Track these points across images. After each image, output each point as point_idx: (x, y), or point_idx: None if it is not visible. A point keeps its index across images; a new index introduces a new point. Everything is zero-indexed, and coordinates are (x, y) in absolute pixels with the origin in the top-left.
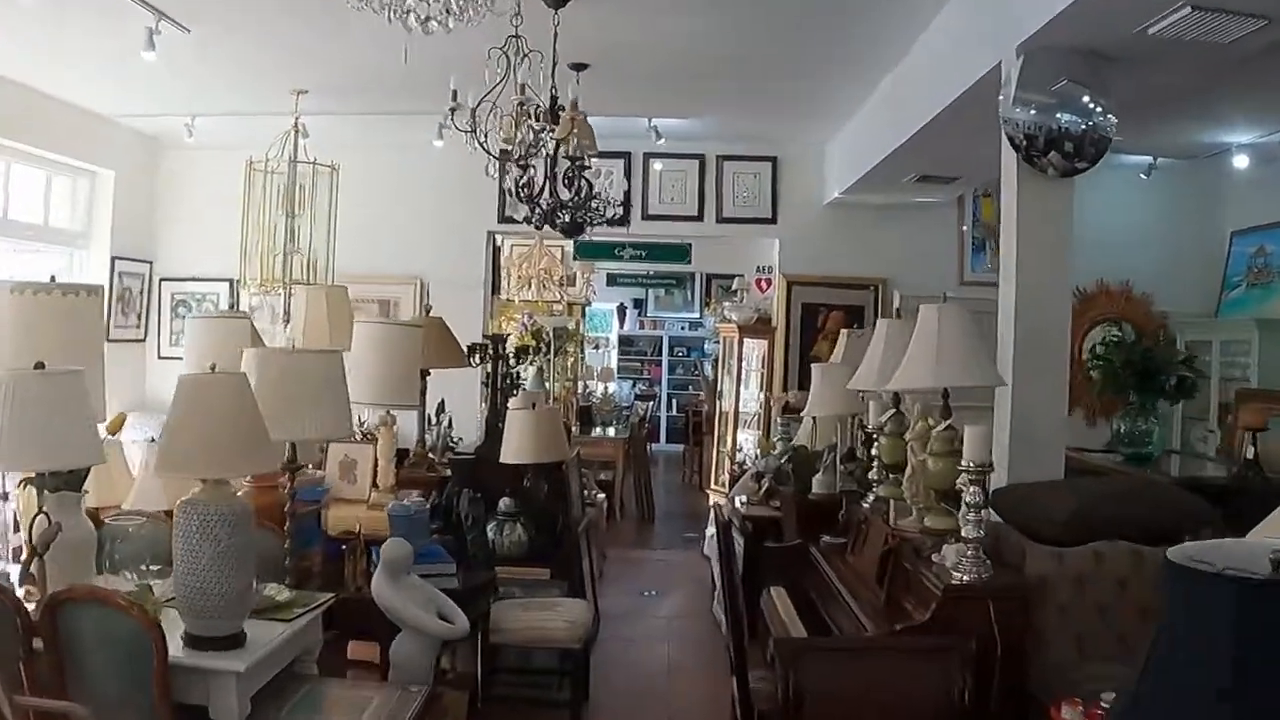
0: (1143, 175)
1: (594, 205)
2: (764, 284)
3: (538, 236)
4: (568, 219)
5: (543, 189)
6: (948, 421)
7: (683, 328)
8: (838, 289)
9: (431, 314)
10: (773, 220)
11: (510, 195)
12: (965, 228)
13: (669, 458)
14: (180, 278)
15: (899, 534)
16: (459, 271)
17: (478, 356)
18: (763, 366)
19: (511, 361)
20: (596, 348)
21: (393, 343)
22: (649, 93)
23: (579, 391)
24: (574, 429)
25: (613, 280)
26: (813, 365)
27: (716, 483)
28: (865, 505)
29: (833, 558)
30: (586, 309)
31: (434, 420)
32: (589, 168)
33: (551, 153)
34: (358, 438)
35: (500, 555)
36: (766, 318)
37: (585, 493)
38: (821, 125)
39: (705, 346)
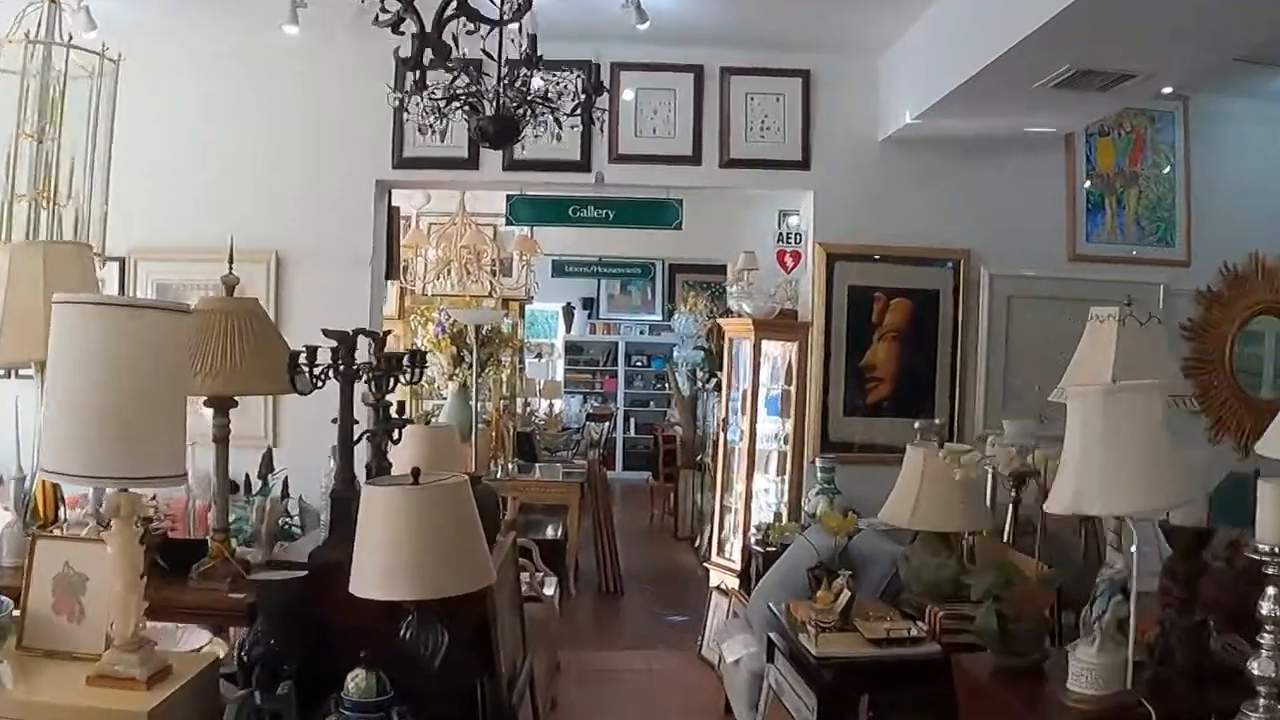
0: None
1: (539, 88)
2: (789, 259)
3: (459, 202)
4: (495, 109)
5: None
6: None
7: (642, 332)
8: (901, 265)
9: (274, 299)
10: (803, 164)
11: (409, 100)
12: (1082, 183)
13: (629, 490)
14: None
15: None
16: (333, 242)
17: (313, 371)
18: (789, 381)
19: (403, 378)
20: (539, 357)
21: (125, 346)
22: None
23: (519, 411)
24: (510, 466)
25: (560, 270)
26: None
27: (722, 555)
28: None
29: None
30: (526, 308)
31: (255, 485)
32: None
33: None
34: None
35: None
36: (793, 310)
37: (529, 578)
38: (881, 18)
39: (675, 353)
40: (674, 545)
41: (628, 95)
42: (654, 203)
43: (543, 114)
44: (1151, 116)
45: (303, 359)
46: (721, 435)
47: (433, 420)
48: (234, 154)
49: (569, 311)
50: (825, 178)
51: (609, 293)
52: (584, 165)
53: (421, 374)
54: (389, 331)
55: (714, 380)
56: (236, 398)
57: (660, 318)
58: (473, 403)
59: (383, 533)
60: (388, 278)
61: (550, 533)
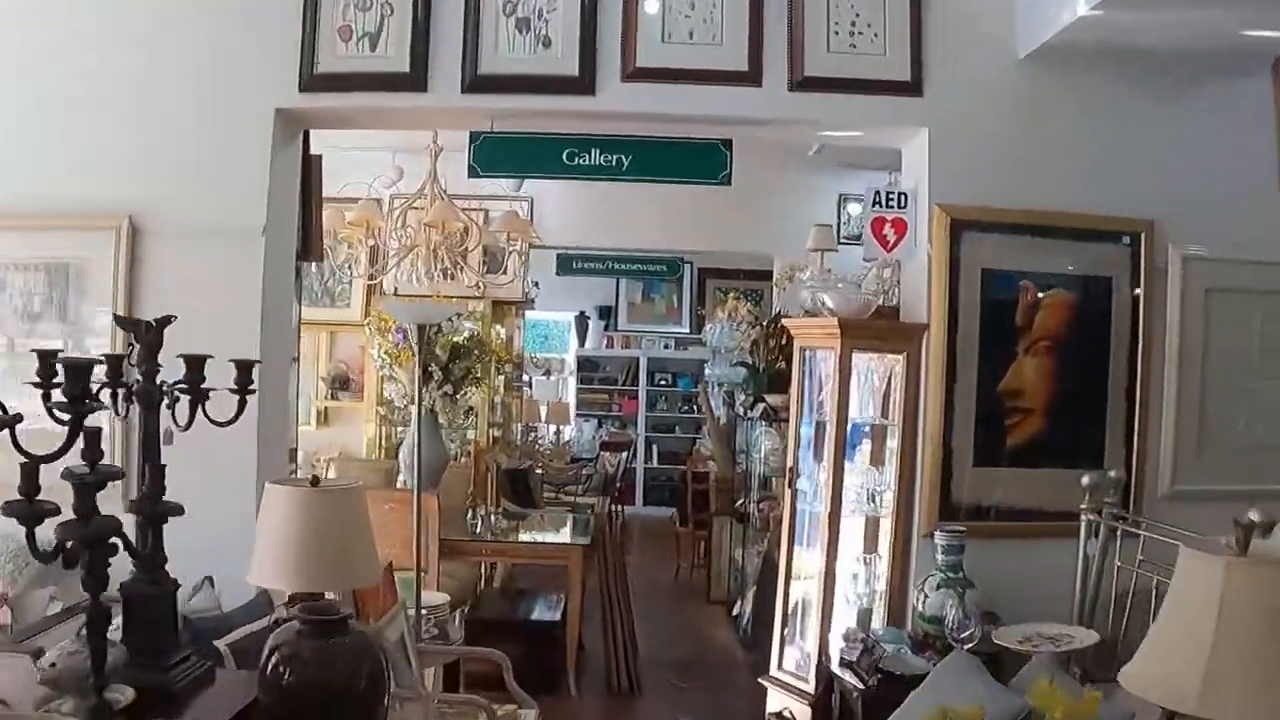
0: None
1: None
2: (890, 231)
3: (429, 157)
4: None
5: None
6: None
7: (667, 346)
8: (1057, 240)
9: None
10: (913, 88)
11: None
12: None
13: (650, 529)
14: None
15: None
16: (212, 202)
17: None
18: (887, 412)
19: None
20: (548, 374)
21: None
22: None
23: (520, 440)
24: (492, 518)
25: (567, 265)
26: None
27: (785, 668)
28: None
29: None
30: (527, 315)
31: None
32: None
33: None
34: None
35: None
36: (893, 308)
37: None
38: None
39: (707, 370)
40: (706, 612)
41: None
42: (690, 145)
43: None
44: None
45: None
46: (785, 491)
47: (400, 453)
48: (64, 76)
49: (582, 321)
50: (947, 109)
51: (629, 300)
52: (584, 84)
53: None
54: (164, 320)
55: (759, 406)
56: None
57: (688, 329)
58: (455, 430)
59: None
60: (303, 259)
61: (543, 611)
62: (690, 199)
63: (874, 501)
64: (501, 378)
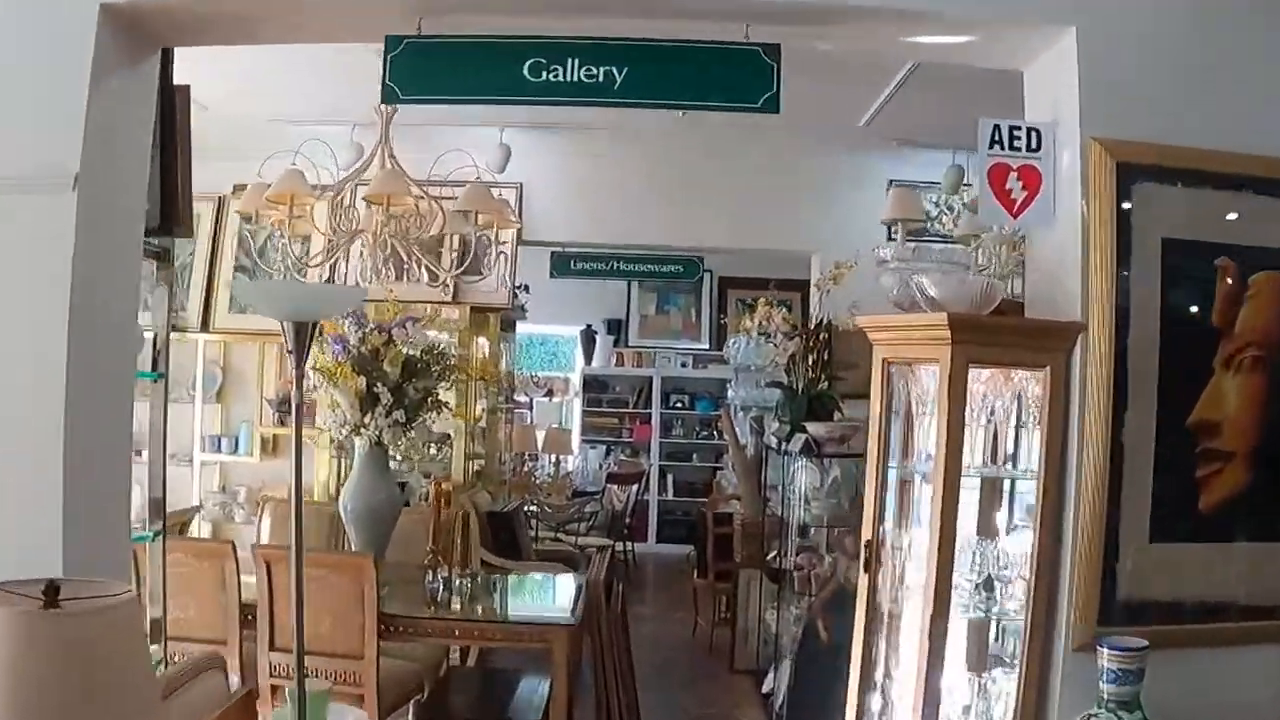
0: None
1: None
2: (1017, 183)
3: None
4: None
5: None
6: None
7: (684, 364)
8: (1268, 198)
9: None
10: None
11: None
12: None
13: (664, 570)
14: None
15: None
16: (11, 142)
17: None
18: (1029, 458)
19: None
20: (549, 395)
21: None
22: None
23: (511, 473)
24: (456, 580)
25: (564, 266)
26: None
27: None
28: None
29: None
30: (519, 326)
31: None
32: None
33: None
34: None
35: None
36: (1018, 303)
37: None
38: None
39: (730, 391)
40: (730, 684)
41: None
42: (717, 51)
43: None
44: None
45: None
46: (859, 573)
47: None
48: None
49: (589, 337)
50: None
51: (641, 312)
52: None
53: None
54: None
55: (799, 438)
56: None
57: (707, 345)
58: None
59: None
60: (164, 233)
61: (528, 694)
62: (711, 187)
63: (986, 594)
64: (484, 400)
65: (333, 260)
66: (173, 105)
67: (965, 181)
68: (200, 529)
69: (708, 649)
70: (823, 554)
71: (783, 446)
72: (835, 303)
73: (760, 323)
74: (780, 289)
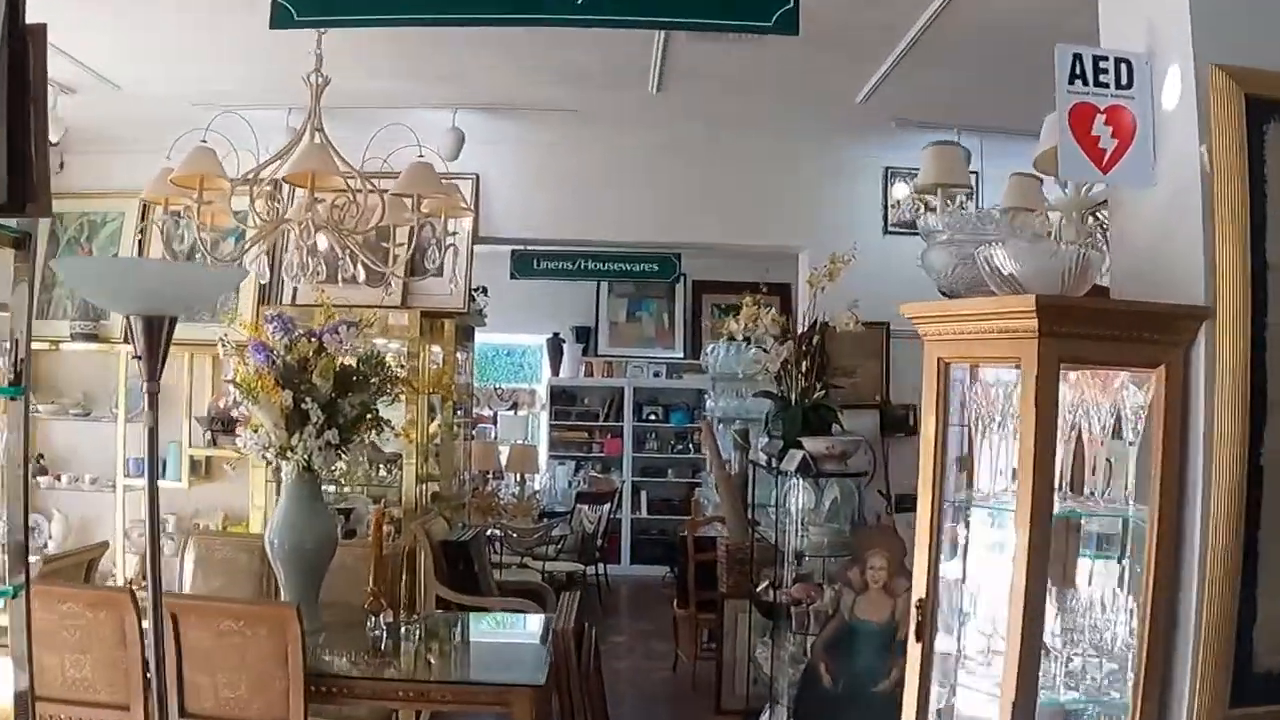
0: None
1: None
2: (1106, 127)
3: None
4: None
5: None
6: None
7: (657, 374)
8: None
9: None
10: None
11: None
12: None
13: (639, 594)
14: None
15: None
16: None
17: None
18: (1126, 487)
19: None
20: (514, 409)
21: None
22: None
23: (470, 495)
24: (402, 627)
25: (526, 266)
26: None
27: None
28: None
29: None
30: (474, 332)
31: None
32: None
33: None
34: None
35: None
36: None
37: None
38: None
39: (709, 402)
40: None
41: None
42: None
43: None
44: None
45: None
46: (913, 642)
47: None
48: None
49: (556, 346)
50: None
51: (611, 319)
52: None
53: None
54: None
55: (795, 455)
56: None
57: (682, 354)
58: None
59: None
60: (15, 209)
61: None
62: (688, 176)
63: (1094, 670)
64: (440, 416)
65: (255, 258)
66: (24, 49)
67: (971, 168)
68: (125, 564)
69: (690, 686)
70: (822, 585)
71: (774, 464)
72: (830, 302)
73: (746, 325)
74: (756, 292)
